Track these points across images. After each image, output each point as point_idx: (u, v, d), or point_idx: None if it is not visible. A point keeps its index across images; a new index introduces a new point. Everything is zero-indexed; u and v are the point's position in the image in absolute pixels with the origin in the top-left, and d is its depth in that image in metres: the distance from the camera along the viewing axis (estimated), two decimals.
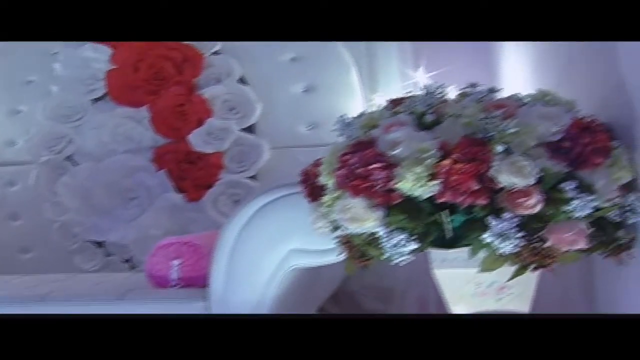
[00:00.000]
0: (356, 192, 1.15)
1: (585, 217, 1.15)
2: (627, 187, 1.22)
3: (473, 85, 1.36)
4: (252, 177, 2.29)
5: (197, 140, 2.28)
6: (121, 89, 2.43)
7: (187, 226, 2.23)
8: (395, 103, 1.33)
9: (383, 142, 1.17)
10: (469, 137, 1.14)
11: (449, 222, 1.18)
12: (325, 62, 2.36)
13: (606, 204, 1.19)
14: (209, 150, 2.28)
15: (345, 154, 1.19)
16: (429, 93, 1.28)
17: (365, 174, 1.14)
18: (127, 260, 2.36)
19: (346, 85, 2.33)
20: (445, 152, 1.13)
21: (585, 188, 1.15)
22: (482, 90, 1.30)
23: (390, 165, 1.14)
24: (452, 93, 1.78)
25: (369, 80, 2.37)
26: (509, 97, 1.31)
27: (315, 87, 2.36)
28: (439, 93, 1.32)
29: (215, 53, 2.44)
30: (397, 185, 1.13)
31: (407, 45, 2.43)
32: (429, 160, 1.11)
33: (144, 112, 2.40)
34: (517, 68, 2.10)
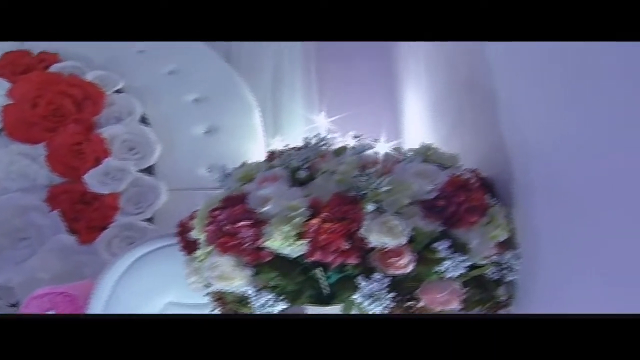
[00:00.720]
0: (224, 249, 1.11)
1: (460, 276, 1.14)
2: (505, 245, 1.21)
3: (356, 138, 1.34)
4: (149, 220, 2.22)
5: (93, 180, 2.20)
6: (17, 125, 2.33)
7: (79, 269, 2.14)
8: (273, 155, 1.30)
9: (253, 198, 1.13)
10: (340, 195, 1.11)
11: (324, 279, 1.15)
12: (228, 103, 2.33)
13: (483, 262, 1.18)
14: (104, 190, 2.20)
15: (216, 209, 1.15)
16: (307, 146, 1.26)
17: (233, 231, 1.10)
18: (13, 305, 2.25)
19: (249, 127, 2.29)
20: (315, 210, 1.11)
21: (459, 247, 1.14)
22: (363, 144, 1.28)
23: (259, 222, 1.10)
24: (350, 140, 1.77)
25: (273, 123, 2.35)
26: (389, 152, 1.30)
27: (218, 129, 2.31)
28: (322, 145, 1.30)
29: (118, 91, 2.37)
30: (265, 244, 1.10)
31: (313, 88, 2.42)
32: (297, 219, 1.08)
33: (40, 149, 2.31)
34: (417, 115, 2.11)
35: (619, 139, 0.83)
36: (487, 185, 1.32)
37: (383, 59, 2.42)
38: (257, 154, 2.15)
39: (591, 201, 0.93)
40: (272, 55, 2.49)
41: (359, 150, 1.24)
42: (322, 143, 1.30)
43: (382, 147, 2.10)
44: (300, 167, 1.19)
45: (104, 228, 2.20)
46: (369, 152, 1.26)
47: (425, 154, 1.32)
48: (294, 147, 1.30)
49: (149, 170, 2.28)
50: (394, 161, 1.22)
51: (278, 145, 2.07)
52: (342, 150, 1.30)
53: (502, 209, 1.23)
